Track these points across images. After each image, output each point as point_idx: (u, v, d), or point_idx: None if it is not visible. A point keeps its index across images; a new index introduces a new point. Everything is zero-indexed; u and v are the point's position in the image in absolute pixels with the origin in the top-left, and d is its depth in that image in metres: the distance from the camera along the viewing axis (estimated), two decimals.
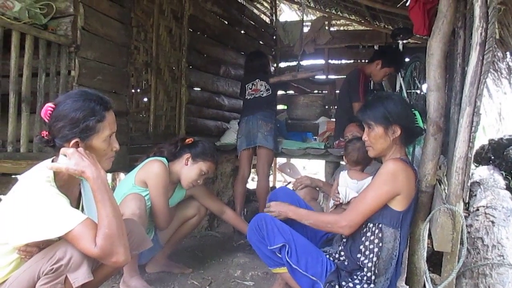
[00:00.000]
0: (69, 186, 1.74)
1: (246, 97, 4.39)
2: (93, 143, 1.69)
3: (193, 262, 3.12)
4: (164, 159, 2.70)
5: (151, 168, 2.61)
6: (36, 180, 1.60)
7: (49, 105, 1.68)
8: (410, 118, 2.15)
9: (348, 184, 2.69)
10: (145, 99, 4.01)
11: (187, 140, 2.84)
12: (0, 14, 2.43)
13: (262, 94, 4.30)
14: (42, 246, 1.61)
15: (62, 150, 1.62)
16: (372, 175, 2.76)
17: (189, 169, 2.76)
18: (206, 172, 2.81)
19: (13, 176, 3.13)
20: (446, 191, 2.24)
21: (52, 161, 1.69)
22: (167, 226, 2.78)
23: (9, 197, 1.62)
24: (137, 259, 2.65)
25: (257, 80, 4.35)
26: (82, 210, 1.81)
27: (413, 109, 2.18)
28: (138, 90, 3.90)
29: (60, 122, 1.64)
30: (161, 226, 2.74)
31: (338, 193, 2.56)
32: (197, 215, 2.99)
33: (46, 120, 1.68)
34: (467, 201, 2.13)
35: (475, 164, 5.41)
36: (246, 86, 4.40)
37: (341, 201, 2.54)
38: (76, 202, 1.81)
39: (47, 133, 1.67)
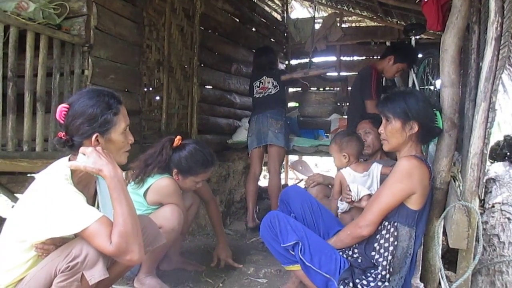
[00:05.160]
0: (86, 184, 1.77)
1: (254, 95, 4.39)
2: (112, 136, 1.72)
3: (206, 260, 3.13)
4: (167, 175, 2.61)
5: (163, 189, 2.55)
6: (54, 178, 1.63)
7: (63, 106, 1.71)
8: (429, 116, 2.13)
9: (356, 179, 2.68)
10: (157, 98, 4.03)
11: (175, 142, 2.62)
12: (16, 15, 2.47)
13: (271, 92, 4.28)
14: (59, 244, 1.64)
15: (81, 149, 1.65)
16: (375, 162, 2.77)
17: (182, 183, 2.65)
18: (201, 181, 2.70)
19: (28, 175, 3.19)
20: (461, 187, 2.22)
21: (69, 159, 1.72)
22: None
23: (27, 195, 1.65)
24: (159, 259, 2.67)
25: (264, 77, 4.33)
26: (98, 208, 1.83)
27: (434, 109, 2.17)
28: (151, 89, 3.92)
29: (78, 120, 1.66)
30: (183, 229, 2.74)
31: (350, 190, 2.55)
32: (193, 204, 2.95)
33: (62, 121, 1.71)
34: (482, 197, 2.11)
35: (490, 160, 5.34)
36: (254, 84, 4.39)
37: (352, 199, 2.52)
38: (92, 200, 1.83)
39: (64, 133, 1.70)
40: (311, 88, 6.22)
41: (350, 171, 2.74)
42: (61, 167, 1.67)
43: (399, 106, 2.10)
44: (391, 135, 2.13)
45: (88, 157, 1.62)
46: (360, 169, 2.74)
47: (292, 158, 7.10)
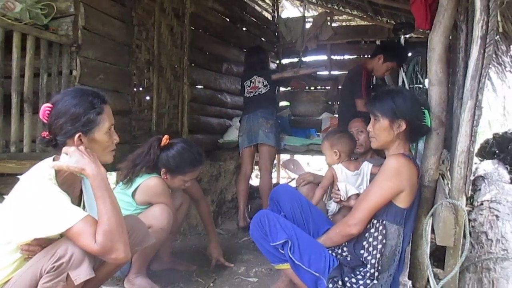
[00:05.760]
0: (71, 184, 1.76)
1: (245, 95, 4.38)
2: (95, 136, 1.72)
3: (197, 260, 3.12)
4: (156, 175, 2.59)
5: (152, 189, 2.53)
6: (38, 178, 1.62)
7: (47, 105, 1.70)
8: (417, 115, 2.15)
9: (348, 177, 2.68)
10: (148, 98, 4.01)
11: (162, 142, 2.60)
12: (2, 15, 2.45)
13: (261, 91, 4.28)
14: (45, 245, 1.63)
15: (64, 149, 1.65)
16: (365, 161, 2.78)
17: (171, 182, 2.64)
18: (190, 180, 2.69)
19: (17, 177, 3.16)
20: (449, 185, 2.23)
21: (54, 159, 1.71)
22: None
23: (12, 196, 1.64)
24: (149, 259, 2.66)
25: (254, 77, 4.32)
26: (84, 207, 1.82)
27: (423, 108, 2.18)
28: (140, 89, 3.90)
29: (61, 119, 1.66)
30: (173, 228, 2.73)
31: (338, 189, 2.55)
32: (183, 203, 2.93)
33: (45, 121, 1.70)
34: (469, 195, 2.13)
35: (480, 158, 5.40)
36: (245, 83, 4.39)
37: (341, 198, 2.53)
38: (78, 200, 1.82)
39: (47, 133, 1.69)
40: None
41: (342, 168, 2.74)
42: (45, 168, 1.66)
43: (386, 105, 2.12)
44: (379, 133, 2.14)
45: (71, 157, 1.62)
46: (352, 167, 2.75)
47: (284, 157, 7.10)
